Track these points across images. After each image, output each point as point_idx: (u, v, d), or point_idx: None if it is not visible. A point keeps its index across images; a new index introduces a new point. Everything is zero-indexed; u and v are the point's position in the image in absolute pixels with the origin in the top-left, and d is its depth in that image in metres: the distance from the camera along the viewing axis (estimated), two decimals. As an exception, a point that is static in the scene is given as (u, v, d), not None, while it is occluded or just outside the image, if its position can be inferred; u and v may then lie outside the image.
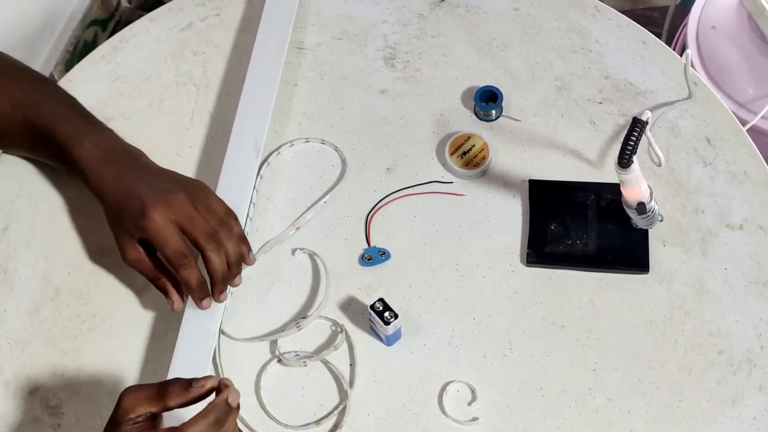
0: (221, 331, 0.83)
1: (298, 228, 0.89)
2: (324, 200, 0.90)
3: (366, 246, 0.88)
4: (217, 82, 0.98)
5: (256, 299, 0.86)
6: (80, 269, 0.88)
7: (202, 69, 0.99)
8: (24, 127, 0.85)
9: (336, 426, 0.80)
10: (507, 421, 0.79)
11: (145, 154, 0.86)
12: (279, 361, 0.83)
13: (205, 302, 0.80)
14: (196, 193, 0.81)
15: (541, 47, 0.98)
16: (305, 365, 0.83)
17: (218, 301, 0.81)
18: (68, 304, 0.86)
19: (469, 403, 0.80)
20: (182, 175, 0.84)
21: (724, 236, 0.86)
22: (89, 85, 0.98)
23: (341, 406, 0.81)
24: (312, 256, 0.87)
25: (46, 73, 1.67)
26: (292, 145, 0.94)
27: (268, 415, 0.81)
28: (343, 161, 0.92)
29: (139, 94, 0.98)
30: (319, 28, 1.01)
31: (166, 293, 0.82)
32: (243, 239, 0.82)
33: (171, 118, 0.96)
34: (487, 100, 0.94)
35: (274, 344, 0.84)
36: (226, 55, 0.99)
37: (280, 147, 0.93)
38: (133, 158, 0.84)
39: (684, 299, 0.84)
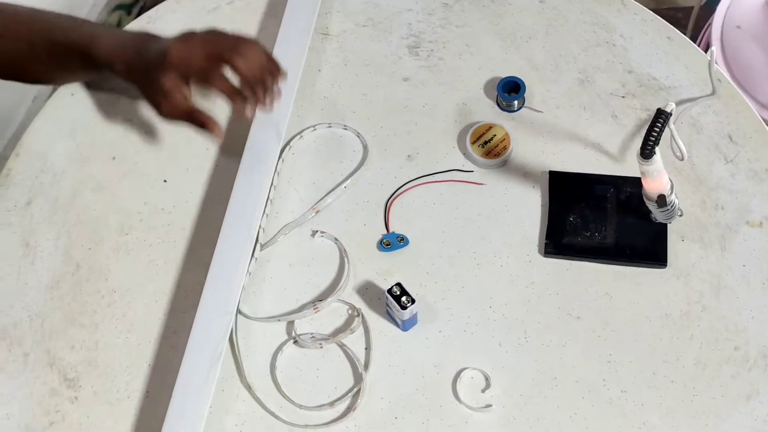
0: (238, 311, 0.84)
1: (317, 212, 0.89)
2: (344, 185, 0.90)
3: (385, 232, 0.88)
4: (241, 65, 0.98)
5: (275, 281, 0.86)
6: (101, 245, 0.89)
7: (227, 52, 0.99)
8: (46, 47, 0.87)
9: (350, 408, 0.80)
10: (520, 409, 0.80)
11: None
12: (295, 342, 0.83)
13: (248, 110, 0.83)
14: (209, 30, 0.84)
15: (565, 40, 0.98)
16: (321, 347, 0.83)
17: (261, 103, 0.84)
18: (88, 279, 0.87)
19: (483, 390, 0.81)
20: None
21: (744, 233, 0.86)
22: (115, 64, 0.99)
23: (355, 389, 0.81)
24: (334, 241, 0.88)
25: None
26: (315, 129, 0.94)
27: (283, 396, 0.81)
28: (365, 147, 0.93)
29: (164, 75, 0.98)
30: (344, 14, 1.01)
31: (204, 125, 0.82)
32: (267, 54, 0.85)
33: (194, 99, 0.96)
34: (509, 91, 0.94)
35: (290, 326, 0.84)
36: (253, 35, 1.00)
37: (302, 131, 0.94)
38: (144, 36, 0.86)
39: (701, 294, 0.84)
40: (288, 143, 0.93)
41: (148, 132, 0.95)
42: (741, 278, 0.84)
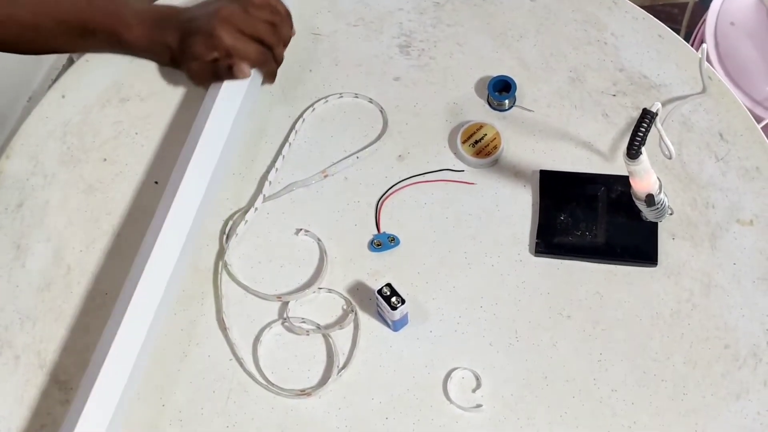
0: (238, 282, 0.85)
1: (326, 176, 0.91)
2: (357, 155, 0.92)
3: (376, 232, 0.88)
4: (232, 65, 0.98)
5: (276, 259, 0.87)
6: (92, 247, 0.89)
7: (217, 52, 0.99)
8: (57, 27, 0.89)
9: (317, 397, 0.81)
10: (511, 408, 0.80)
11: (179, 7, 0.95)
12: (283, 323, 0.84)
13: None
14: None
15: (556, 38, 0.98)
16: (308, 334, 0.83)
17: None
18: (79, 281, 0.87)
19: (474, 390, 0.81)
20: None
21: (734, 231, 0.86)
22: (106, 66, 0.99)
23: (330, 382, 0.81)
24: (317, 241, 0.88)
25: (65, 55, 1.69)
26: (327, 101, 0.96)
27: (259, 372, 0.82)
28: (385, 122, 0.95)
29: (155, 76, 0.98)
30: (334, 14, 1.01)
31: (233, 67, 0.90)
32: (289, 17, 0.95)
33: (186, 99, 0.97)
34: (500, 90, 0.94)
35: (284, 307, 0.85)
36: (242, 39, 1.00)
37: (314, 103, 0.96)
38: (173, 16, 0.92)
39: (692, 293, 0.84)
40: (282, 146, 0.93)
41: (138, 134, 0.95)
42: (731, 276, 0.84)
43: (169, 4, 0.97)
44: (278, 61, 0.94)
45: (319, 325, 0.84)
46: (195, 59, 0.90)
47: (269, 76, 0.94)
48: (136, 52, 0.95)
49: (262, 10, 0.91)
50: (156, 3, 0.97)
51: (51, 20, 0.89)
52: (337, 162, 0.92)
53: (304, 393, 0.81)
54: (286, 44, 0.95)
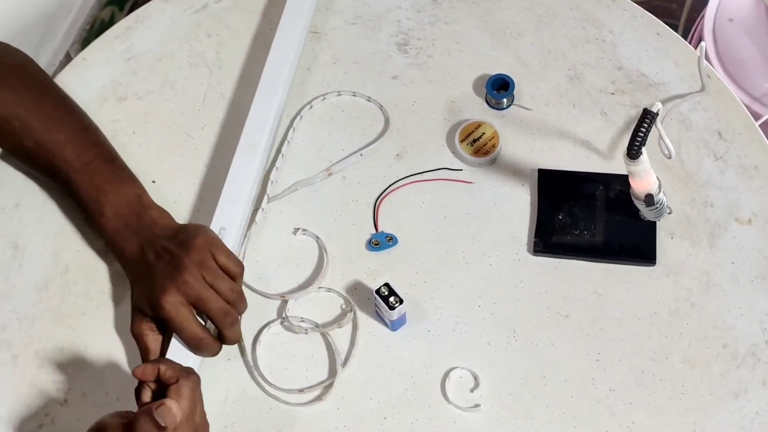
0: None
1: (330, 174, 0.90)
2: (361, 153, 0.92)
3: (374, 231, 0.88)
4: (230, 64, 0.98)
5: (274, 258, 0.87)
6: (90, 247, 0.89)
7: (215, 51, 0.99)
8: (47, 169, 0.87)
9: (319, 398, 0.81)
10: (509, 408, 0.80)
11: (164, 214, 0.84)
12: (282, 322, 0.84)
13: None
14: (205, 258, 0.79)
15: (554, 36, 0.97)
16: (306, 333, 0.83)
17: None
18: (77, 281, 0.87)
19: (472, 390, 0.81)
20: (191, 233, 0.81)
21: (733, 230, 0.86)
22: (103, 64, 0.99)
23: (328, 382, 0.81)
24: (316, 239, 0.88)
25: (62, 52, 1.68)
26: (324, 99, 0.95)
27: (257, 372, 0.82)
28: (386, 120, 0.94)
29: (152, 74, 0.98)
30: (333, 12, 1.01)
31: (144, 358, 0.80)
32: (243, 298, 0.82)
33: (183, 99, 0.97)
34: (498, 89, 0.93)
35: (282, 307, 0.85)
36: (239, 37, 1.00)
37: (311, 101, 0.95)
38: (150, 226, 0.83)
39: (690, 292, 0.84)
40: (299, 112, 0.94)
41: (136, 132, 0.95)
42: (730, 276, 0.84)
43: (163, 214, 0.85)
44: (230, 343, 0.80)
45: (317, 324, 0.84)
46: (136, 309, 0.81)
47: (207, 353, 0.80)
48: (101, 236, 0.86)
49: (222, 281, 0.79)
50: (153, 209, 0.85)
51: (44, 159, 0.86)
52: (341, 160, 0.91)
53: (302, 393, 0.81)
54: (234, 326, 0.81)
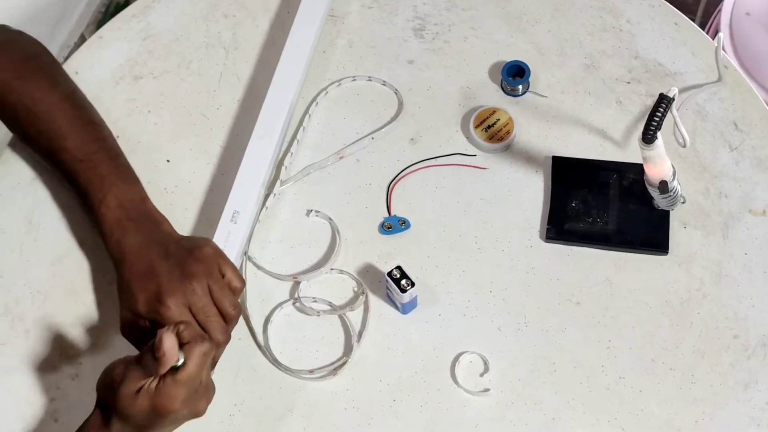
0: (248, 258, 0.86)
1: (341, 157, 0.90)
2: (372, 136, 0.92)
3: (386, 214, 0.88)
4: (246, 45, 0.98)
5: (287, 239, 0.87)
6: (103, 224, 0.89)
7: (231, 32, 0.99)
8: (48, 156, 0.86)
9: (331, 374, 0.82)
10: (518, 393, 0.80)
11: (166, 221, 0.83)
12: (294, 303, 0.84)
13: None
14: (212, 269, 0.78)
15: (571, 24, 0.97)
16: (318, 315, 0.84)
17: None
18: (90, 256, 0.88)
19: (482, 375, 0.81)
20: (198, 241, 0.80)
21: (747, 222, 0.86)
22: (119, 43, 0.99)
23: (342, 361, 0.82)
24: (328, 220, 0.88)
25: (77, 33, 1.68)
26: (339, 85, 0.95)
27: (268, 352, 0.83)
28: (400, 103, 0.94)
29: (169, 54, 0.98)
30: (350, -4, 1.01)
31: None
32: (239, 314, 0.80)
33: (199, 79, 0.97)
34: (514, 75, 0.93)
35: (295, 288, 0.85)
36: (256, 18, 1.00)
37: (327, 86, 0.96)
38: (154, 225, 0.82)
39: (702, 282, 0.83)
40: (297, 129, 0.93)
41: (151, 111, 0.95)
42: (742, 267, 0.84)
43: (166, 221, 0.84)
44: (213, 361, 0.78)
45: (331, 303, 0.84)
46: (128, 309, 0.78)
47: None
48: (98, 225, 0.83)
49: (227, 295, 0.78)
50: (157, 213, 0.84)
51: (45, 147, 0.85)
52: (352, 143, 0.91)
53: (311, 373, 0.81)
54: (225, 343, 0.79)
